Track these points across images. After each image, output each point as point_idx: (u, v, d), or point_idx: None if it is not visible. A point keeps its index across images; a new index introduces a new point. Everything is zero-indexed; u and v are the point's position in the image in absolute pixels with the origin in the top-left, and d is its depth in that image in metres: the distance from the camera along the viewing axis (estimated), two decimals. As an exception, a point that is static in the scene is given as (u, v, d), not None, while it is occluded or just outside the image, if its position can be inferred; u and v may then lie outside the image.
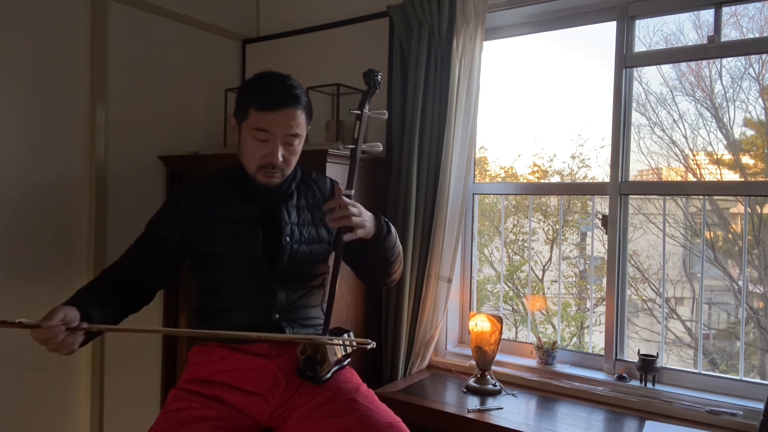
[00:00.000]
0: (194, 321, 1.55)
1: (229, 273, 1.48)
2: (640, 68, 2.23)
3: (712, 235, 2.91)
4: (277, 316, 1.47)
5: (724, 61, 2.43)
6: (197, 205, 1.50)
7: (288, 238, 1.48)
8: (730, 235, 2.93)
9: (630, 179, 2.15)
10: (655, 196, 2.80)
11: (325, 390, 1.43)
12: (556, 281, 3.51)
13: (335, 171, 2.07)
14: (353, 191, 1.42)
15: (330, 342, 1.42)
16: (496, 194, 2.74)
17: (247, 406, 1.42)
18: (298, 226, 1.51)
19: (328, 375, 1.44)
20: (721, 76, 2.55)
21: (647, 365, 1.97)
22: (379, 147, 1.53)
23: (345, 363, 1.51)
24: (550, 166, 3.40)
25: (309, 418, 1.39)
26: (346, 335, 1.48)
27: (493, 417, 1.84)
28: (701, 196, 2.32)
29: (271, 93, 1.42)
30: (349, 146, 1.47)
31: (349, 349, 1.48)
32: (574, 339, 3.48)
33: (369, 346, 1.34)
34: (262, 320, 1.45)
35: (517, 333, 3.45)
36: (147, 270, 1.49)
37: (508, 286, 3.58)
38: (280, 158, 1.42)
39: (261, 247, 1.46)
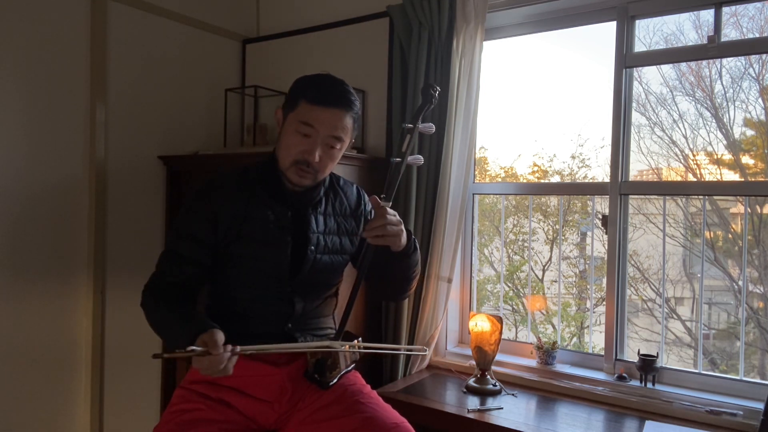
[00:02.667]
0: None
1: (248, 277, 1.44)
2: (640, 68, 2.23)
3: (712, 235, 2.91)
4: (290, 326, 1.45)
5: (724, 61, 2.43)
6: (231, 199, 1.44)
7: (313, 248, 1.45)
8: (730, 235, 2.93)
9: (630, 179, 2.15)
10: (655, 196, 2.79)
11: (330, 392, 1.43)
12: (556, 281, 3.51)
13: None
14: (391, 203, 1.39)
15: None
16: (496, 194, 2.74)
17: (253, 412, 1.41)
18: (324, 235, 1.48)
19: (335, 380, 1.44)
20: (721, 76, 2.55)
21: (647, 365, 1.97)
22: (421, 160, 1.49)
23: (351, 368, 1.51)
24: (550, 166, 3.40)
25: (312, 420, 1.39)
26: (356, 341, 1.47)
27: (493, 417, 1.84)
28: (701, 196, 2.32)
29: (326, 89, 1.39)
30: (395, 159, 1.42)
31: (357, 355, 1.48)
32: (574, 339, 3.48)
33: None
34: (276, 330, 1.43)
35: (517, 333, 3.45)
36: (200, 273, 1.43)
37: (508, 286, 3.57)
38: (317, 158, 1.38)
39: (289, 256, 1.43)
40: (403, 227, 1.40)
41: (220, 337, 1.19)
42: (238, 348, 1.22)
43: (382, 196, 1.38)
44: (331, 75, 1.44)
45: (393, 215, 1.37)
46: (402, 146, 1.43)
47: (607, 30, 2.15)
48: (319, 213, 1.49)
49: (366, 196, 1.61)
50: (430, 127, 1.48)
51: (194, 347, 1.17)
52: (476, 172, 2.52)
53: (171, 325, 1.32)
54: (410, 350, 1.39)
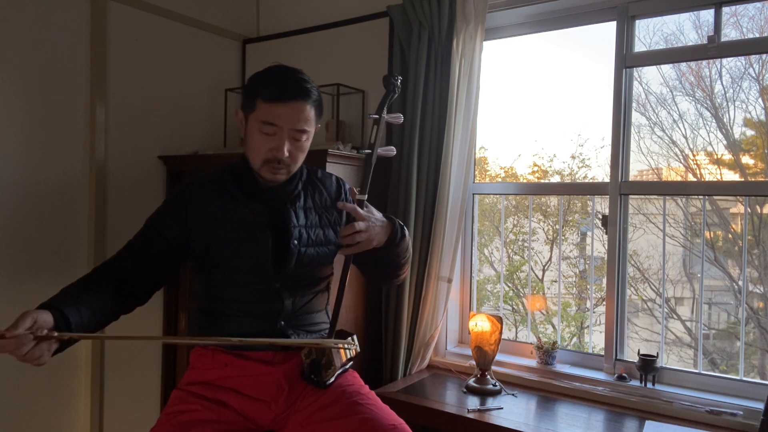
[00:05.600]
0: (196, 324, 1.52)
1: (234, 277, 1.44)
2: (640, 68, 2.23)
3: (712, 235, 2.91)
4: (283, 323, 1.44)
5: (724, 61, 2.43)
6: (204, 203, 1.44)
7: (296, 242, 1.44)
8: (730, 235, 2.93)
9: (630, 179, 2.15)
10: (655, 196, 2.80)
11: (328, 393, 1.42)
12: (556, 281, 3.51)
13: (335, 171, 2.06)
14: (366, 196, 1.39)
15: (336, 346, 1.41)
16: (496, 194, 2.74)
17: (250, 411, 1.41)
18: (306, 229, 1.47)
19: (332, 379, 1.43)
20: (721, 76, 2.55)
21: (647, 365, 1.97)
22: (393, 151, 1.49)
23: (348, 366, 1.50)
24: (550, 166, 3.40)
25: (310, 422, 1.39)
26: (350, 338, 1.47)
27: (493, 417, 1.84)
28: (701, 196, 2.32)
29: (280, 84, 1.36)
30: (365, 151, 1.43)
31: (353, 353, 1.47)
32: (574, 339, 3.48)
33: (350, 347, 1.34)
34: (268, 327, 1.43)
35: (517, 333, 3.45)
36: (146, 268, 1.43)
37: (508, 286, 3.57)
38: (286, 153, 1.37)
39: (270, 251, 1.43)
40: (375, 231, 1.39)
41: (34, 317, 1.12)
42: (55, 333, 1.13)
43: (357, 189, 1.40)
44: (284, 66, 1.42)
45: (362, 219, 1.37)
46: (370, 138, 1.43)
47: (607, 30, 2.15)
48: (299, 207, 1.48)
49: (346, 185, 1.62)
50: (398, 118, 1.49)
51: None
52: (476, 172, 2.52)
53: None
54: (337, 344, 1.37)
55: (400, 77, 1.48)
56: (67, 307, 1.22)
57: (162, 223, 1.45)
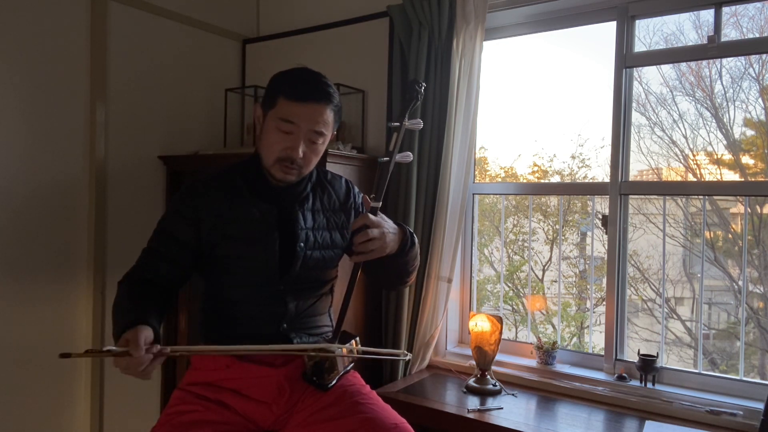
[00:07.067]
0: (201, 325, 1.52)
1: (239, 278, 1.43)
2: (640, 68, 2.23)
3: (712, 235, 2.91)
4: (285, 326, 1.44)
5: (724, 61, 2.43)
6: (214, 201, 1.42)
7: (302, 244, 1.43)
8: (730, 235, 2.93)
9: (630, 179, 2.15)
10: (655, 196, 2.80)
11: (329, 393, 1.42)
12: (556, 281, 3.51)
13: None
14: (381, 204, 1.38)
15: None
16: (496, 194, 2.74)
17: (251, 413, 1.40)
18: (313, 231, 1.46)
19: (334, 382, 1.43)
20: (721, 76, 2.55)
21: (647, 365, 1.97)
22: (410, 157, 1.47)
23: (349, 368, 1.50)
24: (550, 166, 3.40)
25: (311, 422, 1.38)
26: (353, 341, 1.46)
27: (493, 417, 1.84)
28: (701, 196, 2.32)
29: (304, 84, 1.37)
30: (382, 159, 1.40)
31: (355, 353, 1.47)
32: (574, 339, 3.48)
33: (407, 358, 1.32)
34: (271, 330, 1.42)
35: (517, 333, 3.45)
36: (172, 273, 1.41)
37: (508, 286, 3.58)
38: (301, 154, 1.37)
39: (277, 254, 1.42)
40: (387, 239, 1.38)
41: (144, 335, 1.14)
42: (168, 348, 1.16)
43: (372, 196, 1.38)
44: (307, 68, 1.42)
45: (376, 226, 1.35)
46: (389, 145, 1.41)
47: (607, 30, 2.15)
48: (306, 209, 1.47)
49: (355, 188, 1.61)
50: (418, 123, 1.47)
51: (111, 347, 1.11)
52: (476, 172, 2.52)
53: (115, 316, 1.28)
54: (391, 354, 1.35)
55: (423, 84, 1.45)
56: (153, 319, 1.22)
57: (177, 229, 1.42)
